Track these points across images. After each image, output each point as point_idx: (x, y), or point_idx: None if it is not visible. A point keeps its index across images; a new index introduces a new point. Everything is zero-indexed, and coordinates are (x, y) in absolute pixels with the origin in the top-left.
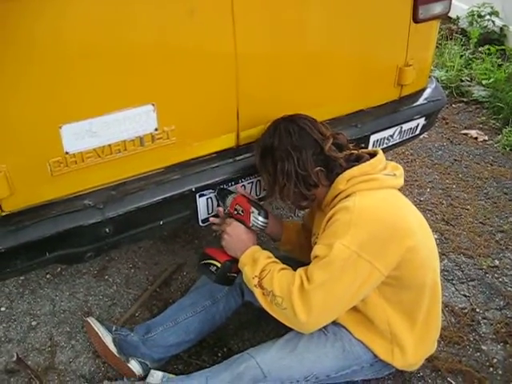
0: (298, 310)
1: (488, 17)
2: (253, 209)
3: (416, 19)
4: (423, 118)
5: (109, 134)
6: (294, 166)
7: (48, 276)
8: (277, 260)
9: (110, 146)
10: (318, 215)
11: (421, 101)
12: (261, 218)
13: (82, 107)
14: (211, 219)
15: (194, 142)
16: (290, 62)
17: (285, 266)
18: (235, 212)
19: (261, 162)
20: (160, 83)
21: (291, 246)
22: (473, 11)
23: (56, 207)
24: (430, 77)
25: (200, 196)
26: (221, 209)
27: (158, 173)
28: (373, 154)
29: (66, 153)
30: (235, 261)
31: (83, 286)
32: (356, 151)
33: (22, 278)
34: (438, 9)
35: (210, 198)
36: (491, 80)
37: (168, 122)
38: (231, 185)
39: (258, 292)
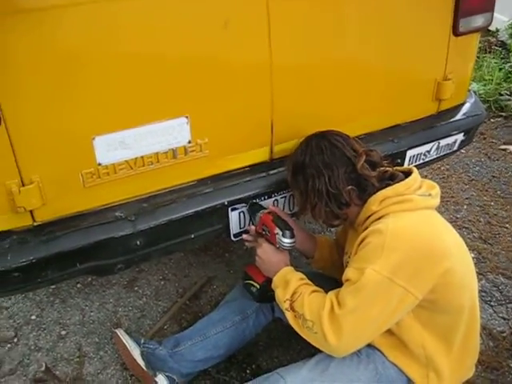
0: (328, 334)
1: None
2: (277, 230)
3: (456, 32)
4: (462, 134)
5: (142, 146)
6: (325, 184)
7: (78, 285)
8: (309, 282)
9: (142, 157)
10: (350, 233)
11: (459, 116)
12: (285, 240)
13: (115, 119)
14: (244, 236)
15: (227, 155)
16: (325, 75)
17: (316, 288)
18: (263, 232)
19: (292, 179)
20: (194, 95)
21: (324, 262)
22: None
23: (87, 218)
24: (469, 91)
25: (232, 210)
26: (253, 227)
27: (191, 186)
28: (407, 173)
29: (99, 164)
30: (271, 280)
31: (113, 297)
32: (390, 169)
33: (52, 286)
34: (479, 22)
35: (243, 212)
36: None
37: (201, 134)
38: (264, 199)
39: (289, 315)
